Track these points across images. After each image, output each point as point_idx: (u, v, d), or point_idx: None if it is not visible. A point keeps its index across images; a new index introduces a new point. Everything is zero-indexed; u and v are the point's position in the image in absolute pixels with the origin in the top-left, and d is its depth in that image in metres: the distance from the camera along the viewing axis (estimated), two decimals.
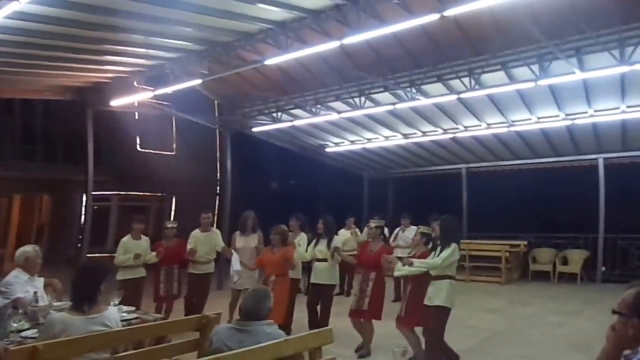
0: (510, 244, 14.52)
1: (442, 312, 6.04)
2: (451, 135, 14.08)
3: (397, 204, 19.44)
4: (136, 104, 12.57)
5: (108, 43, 9.04)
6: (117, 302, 5.70)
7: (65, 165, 18.33)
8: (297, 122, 13.36)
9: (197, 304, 8.33)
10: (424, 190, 19.13)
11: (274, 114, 13.68)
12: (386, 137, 15.11)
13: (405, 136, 14.78)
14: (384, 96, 11.86)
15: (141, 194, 20.50)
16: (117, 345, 4.38)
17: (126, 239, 8.20)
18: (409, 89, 11.10)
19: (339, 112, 12.53)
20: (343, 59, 10.88)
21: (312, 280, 7.89)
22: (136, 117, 20.14)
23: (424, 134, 14.49)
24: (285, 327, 7.66)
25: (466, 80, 10.38)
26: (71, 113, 17.08)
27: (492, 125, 13.29)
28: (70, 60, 9.60)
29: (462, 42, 9.60)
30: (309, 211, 12.07)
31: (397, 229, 11.67)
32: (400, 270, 6.28)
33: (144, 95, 10.76)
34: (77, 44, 8.69)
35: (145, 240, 8.30)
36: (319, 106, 12.53)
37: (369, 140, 15.39)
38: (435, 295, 6.07)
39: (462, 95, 10.64)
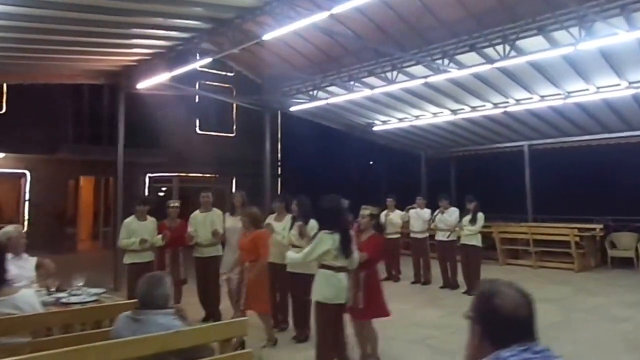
0: (581, 227, 13.32)
1: (322, 310, 5.24)
2: (502, 110, 13.09)
3: (459, 184, 18.61)
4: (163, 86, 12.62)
5: (131, 27, 9.13)
6: (81, 284, 5.60)
7: (128, 148, 18.84)
8: (332, 100, 12.95)
9: (209, 290, 8.08)
10: (485, 170, 18.14)
11: (311, 92, 13.30)
12: (434, 114, 14.33)
13: (454, 112, 13.95)
14: (418, 69, 11.17)
15: (200, 175, 20.80)
16: (37, 329, 4.24)
17: (131, 219, 7.89)
18: (441, 60, 10.38)
19: (372, 88, 11.96)
20: (375, 32, 10.51)
21: (288, 269, 7.08)
22: (196, 101, 20.53)
23: (473, 109, 13.60)
24: (275, 318, 7.39)
25: (500, 48, 9.52)
26: (133, 98, 17.63)
27: (546, 98, 12.22)
28: (98, 45, 9.78)
29: (497, 9, 8.92)
30: (364, 192, 11.77)
31: (437, 211, 10.87)
32: (291, 258, 5.88)
33: (165, 77, 10.67)
34: (103, 29, 8.81)
35: (151, 222, 7.96)
36: (352, 82, 12.02)
37: (417, 117, 14.67)
38: (314, 289, 5.38)
39: (498, 64, 9.76)
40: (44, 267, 5.99)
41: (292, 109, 14.26)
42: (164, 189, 21.01)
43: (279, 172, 23.69)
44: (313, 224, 6.63)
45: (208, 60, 10.05)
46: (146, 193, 20.39)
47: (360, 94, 12.33)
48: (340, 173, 21.90)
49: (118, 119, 11.99)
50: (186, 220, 8.29)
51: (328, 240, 5.16)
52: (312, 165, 21.75)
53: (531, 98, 12.39)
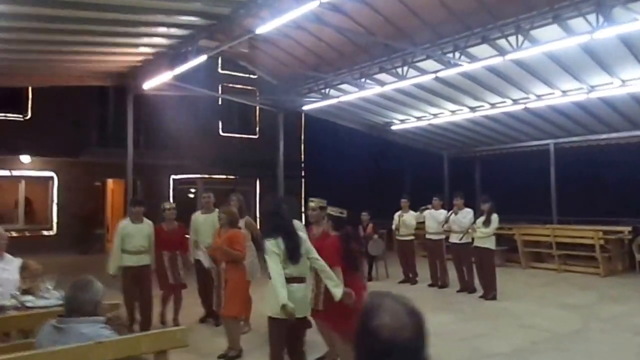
0: (606, 229, 12.27)
1: (272, 325, 4.60)
2: (522, 106, 12.31)
3: (484, 185, 17.81)
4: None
5: (135, 25, 8.84)
6: (51, 287, 5.18)
7: (152, 150, 18.65)
8: (344, 98, 12.43)
9: (210, 292, 7.40)
10: (511, 170, 17.27)
11: (323, 91, 12.81)
12: (452, 112, 13.65)
13: (473, 109, 13.24)
14: (429, 64, 10.57)
15: (224, 177, 20.49)
16: None
17: (125, 222, 7.34)
18: (452, 54, 9.76)
19: (382, 85, 11.37)
20: (386, 27, 10.00)
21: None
22: (219, 103, 20.25)
23: (493, 105, 12.86)
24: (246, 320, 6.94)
25: (513, 39, 8.84)
26: (154, 103, 17.44)
27: (568, 92, 11.44)
28: (102, 45, 9.58)
29: None
30: (388, 193, 11.20)
31: (450, 212, 10.15)
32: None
33: (168, 76, 10.29)
34: (108, 27, 8.59)
35: (147, 225, 7.34)
36: (363, 80, 11.47)
37: (435, 115, 13.99)
38: (265, 301, 4.77)
39: (512, 56, 9.08)
40: (28, 269, 5.63)
41: (305, 108, 13.82)
42: (193, 190, 20.78)
43: (302, 173, 23.28)
44: (298, 224, 6.01)
45: (204, 57, 9.57)
46: (171, 195, 20.21)
47: (371, 91, 11.79)
48: (365, 174, 21.30)
49: (127, 120, 11.55)
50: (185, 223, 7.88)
51: (273, 248, 4.50)
52: (336, 167, 21.22)
53: (552, 93, 11.64)
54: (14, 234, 16.92)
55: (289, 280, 4.49)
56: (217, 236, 6.32)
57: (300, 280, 4.63)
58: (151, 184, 19.82)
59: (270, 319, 4.56)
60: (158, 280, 7.55)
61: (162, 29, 9.22)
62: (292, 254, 4.55)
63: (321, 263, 4.70)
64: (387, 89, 11.46)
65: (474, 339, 6.67)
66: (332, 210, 5.32)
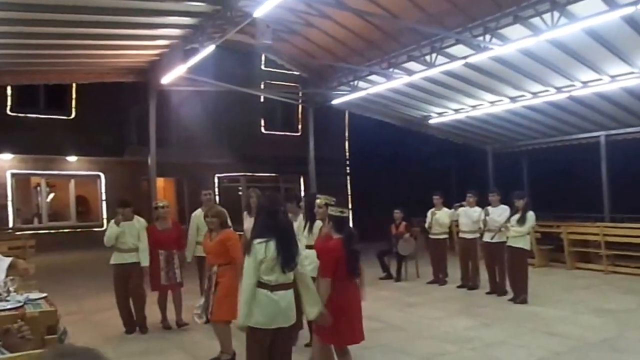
0: None
1: (251, 335, 3.88)
2: (567, 95, 11.12)
3: (532, 180, 16.57)
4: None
5: (148, 14, 8.46)
6: (12, 289, 4.70)
7: (196, 149, 18.43)
8: (372, 89, 11.67)
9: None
10: (559, 164, 15.93)
11: (352, 83, 12.07)
12: (491, 103, 12.55)
13: (513, 99, 12.10)
14: (459, 49, 9.64)
15: (267, 174, 20.08)
16: None
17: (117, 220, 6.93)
18: (483, 37, 8.82)
19: (410, 74, 10.52)
20: (414, 11, 9.23)
21: None
22: (261, 101, 19.85)
23: (535, 95, 11.70)
24: None
25: (547, 17, 7.83)
26: (195, 101, 17.20)
27: (617, 78, 10.20)
28: (118, 38, 9.22)
29: None
30: (431, 190, 10.38)
31: (483, 210, 9.07)
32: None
33: (181, 70, 9.82)
34: (122, 17, 8.29)
35: (138, 222, 6.94)
36: (391, 70, 10.68)
37: (473, 107, 12.94)
38: None
39: (547, 35, 8.05)
40: (16, 268, 5.22)
41: (335, 102, 13.06)
42: (241, 187, 20.47)
43: (347, 170, 22.58)
44: (318, 223, 5.50)
45: (213, 46, 9.04)
46: (216, 193, 19.97)
47: (399, 80, 10.98)
48: (409, 171, 20.34)
49: (149, 116, 11.28)
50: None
51: (260, 250, 3.79)
52: (381, 164, 20.37)
53: (600, 79, 10.42)
54: (67, 230, 17.18)
55: (274, 287, 3.83)
56: (206, 239, 5.72)
57: (286, 286, 3.91)
58: (196, 183, 19.68)
59: (249, 328, 3.84)
60: (150, 281, 7.01)
61: (174, 18, 8.76)
62: (286, 263, 3.83)
63: (307, 278, 4.03)
64: (415, 78, 10.59)
65: (491, 347, 5.76)
66: (331, 210, 4.51)
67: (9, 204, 16.07)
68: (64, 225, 17.19)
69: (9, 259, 4.89)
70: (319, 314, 3.97)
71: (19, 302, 4.07)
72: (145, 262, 6.85)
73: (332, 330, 4.15)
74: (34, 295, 4.37)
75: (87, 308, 8.21)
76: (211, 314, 5.33)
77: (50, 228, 16.86)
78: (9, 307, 4.14)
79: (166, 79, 10.36)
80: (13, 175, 16.16)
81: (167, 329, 6.98)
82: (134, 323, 6.89)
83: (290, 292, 3.92)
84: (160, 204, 7.26)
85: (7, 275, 4.73)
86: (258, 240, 3.81)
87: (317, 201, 4.86)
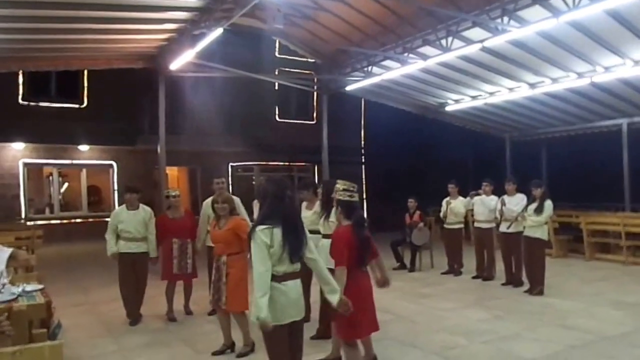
0: None
1: (265, 333, 3.52)
2: (588, 80, 10.81)
3: (551, 170, 16.26)
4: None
5: None
6: (5, 281, 4.64)
7: (210, 137, 18.37)
8: (387, 75, 11.48)
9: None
10: (580, 153, 15.58)
11: (366, 69, 11.88)
12: (510, 89, 12.27)
13: (532, 86, 11.81)
14: (475, 32, 9.40)
15: (282, 163, 19.98)
16: None
17: (119, 209, 6.97)
18: (500, 19, 8.58)
19: (425, 59, 10.29)
20: None
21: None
22: (276, 88, 19.71)
23: (555, 80, 11.39)
24: None
25: None
26: (207, 89, 17.08)
27: None
28: (125, 21, 9.04)
29: None
30: (448, 179, 10.19)
31: (499, 199, 8.85)
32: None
33: (190, 55, 9.70)
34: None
35: (143, 211, 6.88)
36: (406, 54, 10.47)
37: (491, 94, 12.66)
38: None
39: (567, 17, 7.78)
40: (17, 259, 5.19)
41: (349, 88, 12.87)
42: (255, 176, 20.41)
43: (362, 159, 22.39)
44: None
45: (221, 29, 8.90)
46: (230, 182, 19.92)
47: (414, 66, 10.75)
48: (425, 160, 20.11)
49: (159, 104, 11.13)
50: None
51: (264, 237, 3.47)
52: (397, 152, 20.14)
53: (623, 64, 10.10)
54: (79, 220, 17.25)
55: (282, 277, 3.53)
56: (213, 227, 5.56)
57: (294, 276, 3.63)
58: (210, 171, 19.63)
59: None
60: (162, 270, 7.00)
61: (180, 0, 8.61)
62: (293, 252, 3.55)
63: (319, 265, 3.72)
64: (431, 62, 10.35)
65: (504, 341, 5.59)
66: (340, 195, 4.30)
67: (22, 194, 16.16)
68: (75, 215, 17.25)
69: (9, 250, 4.85)
70: (340, 301, 3.68)
71: (14, 294, 4.01)
72: (153, 252, 6.85)
73: (350, 323, 3.99)
74: (30, 287, 4.31)
75: (93, 299, 8.18)
76: (225, 306, 5.23)
77: (62, 218, 16.93)
78: (5, 299, 4.09)
79: (175, 65, 10.26)
80: (25, 164, 16.23)
81: (172, 320, 6.88)
82: (139, 313, 6.87)
83: (299, 282, 3.67)
84: (172, 193, 7.20)
85: (7, 266, 4.69)
86: (262, 226, 3.50)
87: (337, 185, 4.50)
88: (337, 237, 4.16)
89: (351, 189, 4.32)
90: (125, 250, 6.73)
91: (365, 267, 4.27)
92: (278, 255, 3.49)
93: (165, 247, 6.98)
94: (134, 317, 6.79)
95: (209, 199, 7.60)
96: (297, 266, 3.63)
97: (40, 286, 4.49)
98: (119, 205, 16.96)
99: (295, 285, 3.60)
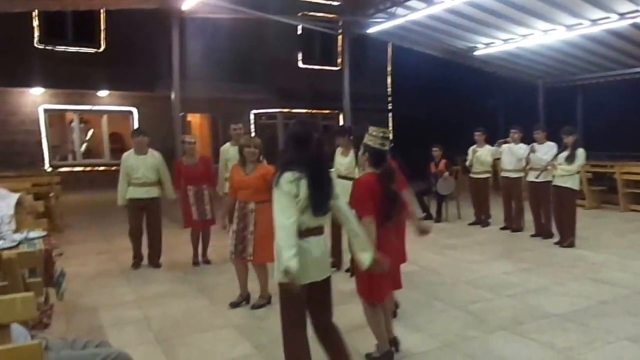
0: None
1: (283, 293, 3.25)
2: (631, 21, 10.27)
3: (587, 118, 15.78)
4: None
5: None
6: (13, 228, 4.65)
7: (231, 84, 18.16)
8: (412, 16, 11.09)
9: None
10: (616, 100, 15.03)
11: (389, 10, 11.46)
12: (544, 32, 11.73)
13: (569, 28, 11.27)
14: None
15: (305, 110, 19.73)
16: None
17: (127, 154, 6.89)
18: None
19: None
20: None
21: None
22: (298, 33, 19.28)
23: (594, 22, 10.84)
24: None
25: None
26: (228, 33, 16.75)
27: None
28: None
29: None
30: (472, 127, 9.94)
31: (528, 147, 8.53)
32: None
33: None
34: None
35: (152, 156, 6.85)
36: None
37: (524, 37, 12.13)
38: (275, 264, 3.34)
39: None
40: (23, 205, 5.22)
41: (371, 30, 12.48)
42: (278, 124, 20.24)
43: (389, 107, 22.03)
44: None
45: None
46: (252, 130, 19.81)
47: (441, 5, 10.30)
48: (454, 108, 19.65)
49: (172, 47, 10.96)
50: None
51: (290, 185, 3.11)
52: (424, 100, 19.72)
53: None
54: (102, 168, 17.40)
55: (305, 232, 3.20)
56: (238, 174, 5.30)
57: (318, 231, 3.30)
58: (231, 119, 19.47)
59: (280, 285, 3.25)
60: (183, 218, 7.15)
61: None
62: (319, 205, 3.20)
63: (345, 211, 3.39)
64: (458, 2, 9.91)
65: (531, 294, 5.48)
66: (369, 140, 3.90)
67: (43, 140, 16.29)
68: (98, 163, 17.38)
69: (16, 195, 4.85)
70: (373, 259, 3.36)
71: (15, 241, 3.99)
72: (171, 195, 6.96)
73: (372, 284, 3.75)
74: (34, 233, 4.29)
75: (116, 247, 8.26)
76: (251, 257, 5.16)
77: (86, 165, 17.10)
78: (6, 246, 4.06)
79: (187, 5, 10.04)
80: (46, 111, 16.28)
81: (196, 264, 7.08)
82: (142, 258, 7.07)
83: (323, 238, 3.36)
84: (187, 140, 7.17)
85: (16, 212, 4.69)
86: (287, 173, 3.13)
87: (370, 129, 4.04)
88: (360, 186, 3.83)
89: (384, 136, 3.94)
90: (134, 195, 6.79)
91: (389, 223, 4.04)
92: (301, 207, 3.14)
93: (183, 195, 7.04)
94: (136, 261, 7.03)
95: (226, 145, 7.65)
96: (322, 221, 3.31)
97: (44, 233, 4.47)
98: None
99: (318, 241, 3.28)
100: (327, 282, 3.35)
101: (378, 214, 3.70)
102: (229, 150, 7.51)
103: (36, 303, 2.41)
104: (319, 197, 3.19)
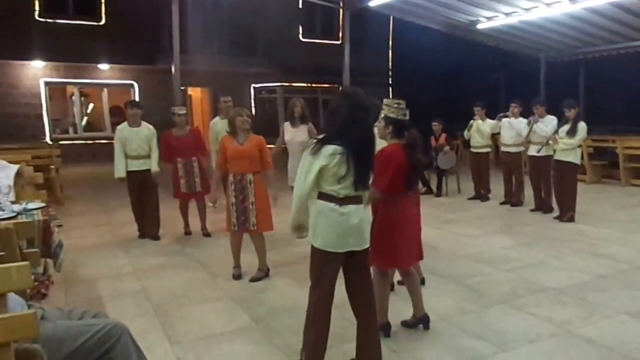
0: None
1: (315, 255, 3.23)
2: None
3: (589, 92, 15.61)
4: None
5: None
6: (12, 199, 4.62)
7: (231, 57, 17.96)
8: None
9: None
10: (619, 74, 14.86)
11: None
12: (548, 5, 11.48)
13: (573, 0, 11.05)
14: None
15: (305, 85, 19.56)
16: None
17: (121, 126, 6.87)
18: None
19: None
20: None
21: None
22: (299, 7, 19.03)
23: None
24: None
25: None
26: (226, 5, 16.51)
27: None
28: None
29: None
30: (473, 102, 9.82)
31: (529, 119, 8.42)
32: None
33: None
34: None
35: (146, 129, 6.86)
36: None
37: (527, 10, 11.90)
38: (311, 228, 3.32)
39: None
40: (22, 176, 5.19)
41: (372, 3, 12.26)
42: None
43: (390, 81, 21.85)
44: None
45: None
46: (252, 104, 19.69)
47: None
48: (456, 82, 19.49)
49: (172, 20, 10.77)
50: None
51: (330, 159, 3.08)
52: (425, 75, 19.54)
53: None
54: (103, 141, 17.32)
55: (343, 200, 3.14)
56: (231, 143, 5.19)
57: (357, 200, 3.22)
58: (230, 93, 19.32)
59: (314, 249, 3.23)
60: (173, 189, 7.15)
61: None
62: (361, 181, 3.17)
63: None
64: None
65: (528, 269, 5.45)
66: (391, 112, 3.78)
67: (44, 113, 16.21)
68: (100, 136, 17.32)
69: (15, 166, 4.81)
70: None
71: (14, 212, 3.96)
72: (155, 167, 6.91)
73: (390, 250, 3.72)
74: (32, 204, 4.26)
75: (115, 220, 8.27)
76: (254, 227, 5.16)
77: (87, 139, 17.04)
78: (5, 216, 4.02)
79: None
80: (46, 83, 16.17)
81: (188, 234, 7.21)
82: (148, 231, 7.10)
83: (362, 208, 3.28)
84: (177, 111, 7.13)
85: (15, 184, 4.66)
86: (330, 146, 3.07)
87: (386, 101, 3.88)
88: (384, 156, 3.64)
89: (402, 106, 3.82)
90: (132, 168, 6.83)
91: (412, 192, 3.99)
92: (341, 176, 3.11)
93: (173, 167, 7.07)
94: (142, 234, 7.10)
95: (216, 118, 7.61)
96: (361, 192, 3.25)
97: (42, 204, 4.44)
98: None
99: (357, 210, 3.21)
100: (364, 253, 3.29)
101: (403, 183, 3.71)
102: (217, 124, 7.41)
103: (31, 273, 2.37)
104: (361, 173, 3.15)
